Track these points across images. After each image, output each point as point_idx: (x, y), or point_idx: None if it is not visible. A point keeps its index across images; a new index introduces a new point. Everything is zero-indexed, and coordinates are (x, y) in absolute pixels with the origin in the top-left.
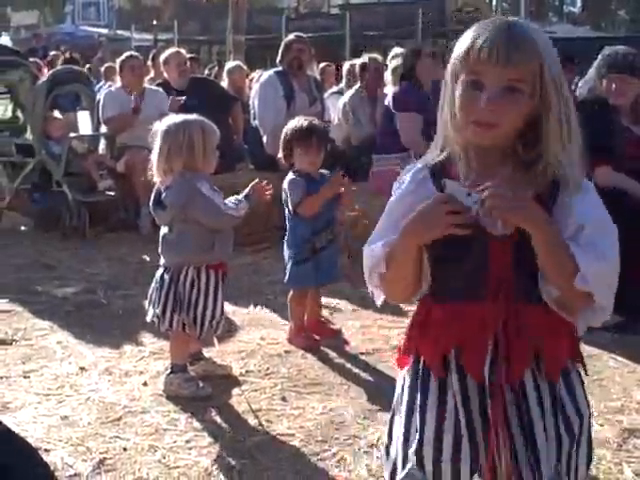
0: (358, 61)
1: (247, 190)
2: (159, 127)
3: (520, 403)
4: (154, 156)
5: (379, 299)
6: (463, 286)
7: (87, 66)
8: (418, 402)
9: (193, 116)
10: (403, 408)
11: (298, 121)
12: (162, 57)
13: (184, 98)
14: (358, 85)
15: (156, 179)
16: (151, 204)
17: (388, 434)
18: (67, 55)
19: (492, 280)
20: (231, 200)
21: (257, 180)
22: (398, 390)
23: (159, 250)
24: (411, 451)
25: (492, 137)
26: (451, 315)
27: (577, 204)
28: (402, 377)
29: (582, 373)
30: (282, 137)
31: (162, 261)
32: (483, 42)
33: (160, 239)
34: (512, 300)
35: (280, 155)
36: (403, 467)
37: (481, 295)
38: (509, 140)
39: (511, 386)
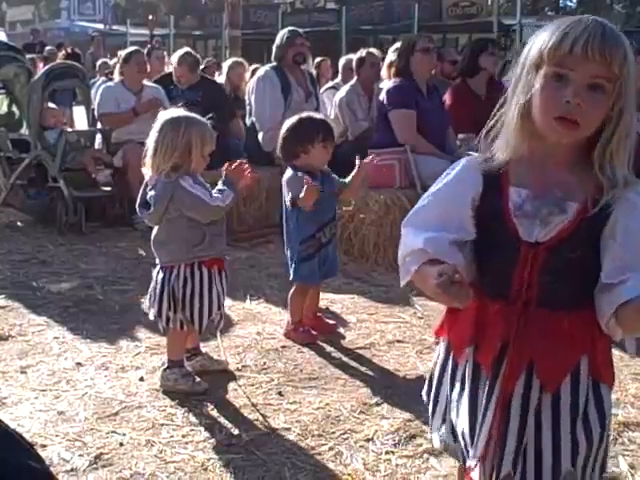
0: (355, 56)
1: (223, 177)
2: (161, 117)
3: (526, 404)
4: (149, 146)
5: (404, 280)
6: (492, 284)
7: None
8: (438, 377)
9: (197, 116)
10: (434, 380)
11: (316, 116)
12: (175, 57)
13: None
14: (354, 80)
15: (145, 171)
16: (137, 204)
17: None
18: (69, 50)
19: (515, 283)
20: (214, 191)
21: (227, 164)
22: (434, 359)
23: (152, 248)
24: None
25: (573, 136)
26: (476, 309)
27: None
28: (437, 350)
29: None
30: (297, 131)
31: (157, 259)
32: (577, 37)
33: (152, 237)
34: (533, 305)
35: (283, 149)
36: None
37: (505, 295)
38: (581, 141)
39: (510, 388)
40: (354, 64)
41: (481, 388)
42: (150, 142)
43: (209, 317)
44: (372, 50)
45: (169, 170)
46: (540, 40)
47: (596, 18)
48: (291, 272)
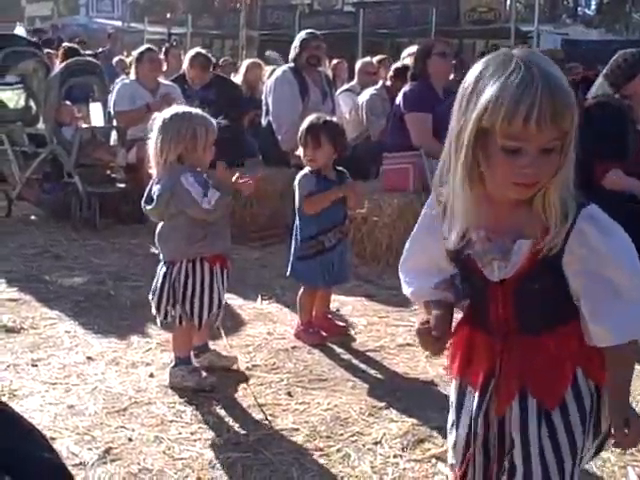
0: (375, 58)
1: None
2: (160, 116)
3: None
4: (152, 145)
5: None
6: (476, 314)
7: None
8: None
9: (196, 109)
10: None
11: (313, 117)
12: (187, 58)
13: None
14: (380, 85)
15: (152, 170)
16: (142, 202)
17: None
18: (67, 45)
19: (492, 318)
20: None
21: (219, 167)
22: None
23: (156, 244)
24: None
25: (532, 192)
26: (468, 340)
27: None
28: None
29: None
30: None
31: (160, 255)
32: (529, 109)
33: (156, 233)
34: (515, 334)
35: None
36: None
37: (487, 327)
38: None
39: (500, 415)
40: (392, 72)
41: (469, 402)
42: (154, 138)
43: (209, 313)
44: (405, 62)
45: (174, 161)
46: (486, 99)
47: (542, 70)
48: (288, 269)
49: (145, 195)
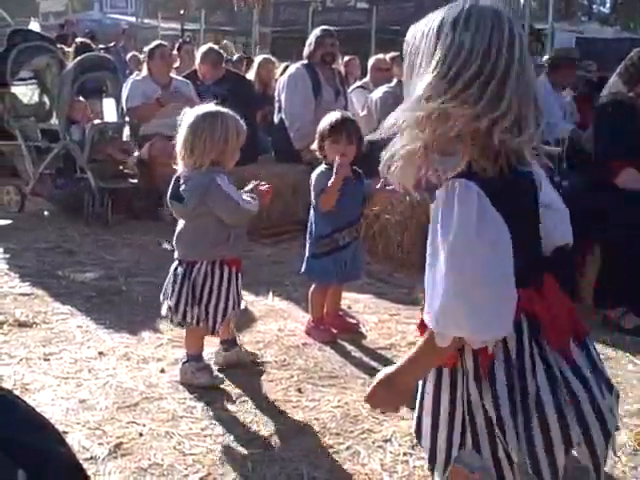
0: (388, 55)
1: (250, 186)
2: (191, 113)
3: None
4: (181, 142)
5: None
6: None
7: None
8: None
9: (227, 110)
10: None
11: (335, 114)
12: (199, 54)
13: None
14: (394, 82)
15: (178, 167)
16: (168, 196)
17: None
18: (78, 42)
19: None
20: (246, 194)
21: (258, 182)
22: None
23: (173, 243)
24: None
25: None
26: None
27: None
28: None
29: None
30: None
31: (176, 254)
32: None
33: (176, 232)
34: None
35: (314, 146)
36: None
37: None
38: None
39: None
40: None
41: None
42: (184, 138)
43: (223, 317)
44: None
45: (208, 165)
46: None
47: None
48: (303, 266)
49: (169, 192)
